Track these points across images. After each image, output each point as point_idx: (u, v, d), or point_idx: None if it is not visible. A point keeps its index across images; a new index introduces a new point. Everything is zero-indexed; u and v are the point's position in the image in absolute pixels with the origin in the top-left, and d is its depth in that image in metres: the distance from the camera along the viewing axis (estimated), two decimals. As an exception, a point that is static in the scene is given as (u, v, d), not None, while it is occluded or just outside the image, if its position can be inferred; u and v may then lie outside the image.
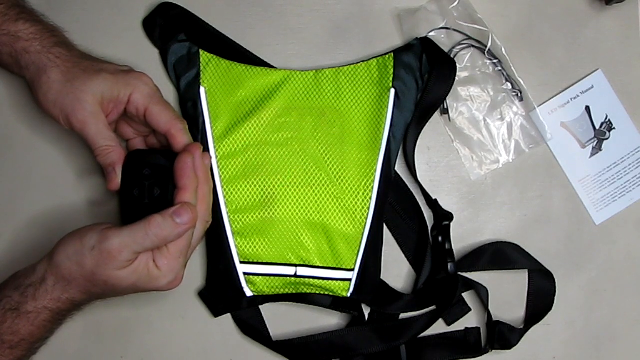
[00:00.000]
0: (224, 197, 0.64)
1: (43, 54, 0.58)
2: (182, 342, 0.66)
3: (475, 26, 0.69)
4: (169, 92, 0.67)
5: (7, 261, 0.65)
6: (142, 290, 0.56)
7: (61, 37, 0.61)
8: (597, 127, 0.70)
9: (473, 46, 0.69)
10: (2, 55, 0.59)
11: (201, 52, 0.66)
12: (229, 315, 0.66)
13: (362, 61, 0.67)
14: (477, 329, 0.67)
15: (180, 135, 0.59)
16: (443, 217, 0.66)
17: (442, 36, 0.69)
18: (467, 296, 0.67)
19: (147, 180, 0.58)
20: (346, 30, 0.69)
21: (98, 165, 0.59)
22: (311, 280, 0.64)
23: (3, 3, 0.59)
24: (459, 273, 0.66)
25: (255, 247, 0.64)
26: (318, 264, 0.64)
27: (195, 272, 0.66)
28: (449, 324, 0.67)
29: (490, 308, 0.66)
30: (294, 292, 0.65)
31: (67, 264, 0.54)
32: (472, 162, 0.69)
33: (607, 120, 0.70)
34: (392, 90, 0.65)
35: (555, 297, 0.67)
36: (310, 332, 0.65)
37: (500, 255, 0.67)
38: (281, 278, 0.64)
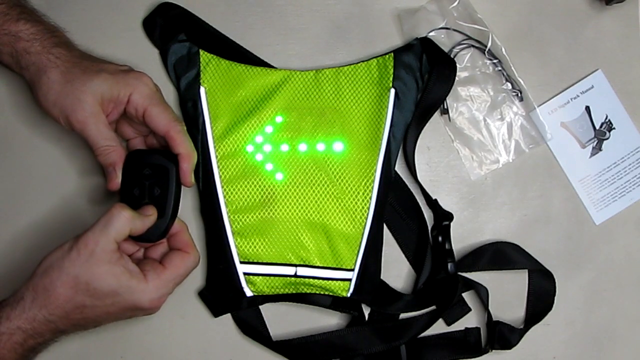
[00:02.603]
0: (224, 197, 0.64)
1: (43, 55, 0.58)
2: (182, 342, 0.66)
3: (475, 26, 0.69)
4: (169, 92, 0.67)
5: (7, 261, 0.65)
6: (123, 303, 0.54)
7: (62, 38, 0.61)
8: (597, 127, 0.70)
9: (473, 46, 0.69)
10: (2, 55, 0.59)
11: (201, 52, 0.66)
12: (229, 315, 0.66)
13: (362, 61, 0.67)
14: (477, 329, 0.67)
15: (179, 137, 0.59)
16: (443, 217, 0.66)
17: (442, 36, 0.69)
18: (467, 296, 0.67)
19: (148, 180, 0.59)
20: (346, 30, 0.69)
21: (98, 165, 0.59)
22: (311, 280, 0.64)
23: (4, 3, 0.59)
24: (459, 273, 0.66)
25: (255, 247, 0.64)
26: (318, 264, 0.64)
27: (195, 272, 0.66)
28: (449, 324, 0.67)
29: (490, 308, 0.66)
30: (294, 292, 0.65)
31: (48, 272, 0.53)
32: (472, 162, 0.69)
33: (607, 120, 0.70)
34: (392, 90, 0.65)
35: (555, 297, 0.67)
36: (310, 332, 0.65)
37: (500, 255, 0.67)
38: (281, 278, 0.64)
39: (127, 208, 0.55)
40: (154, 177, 0.59)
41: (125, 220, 0.55)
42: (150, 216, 0.57)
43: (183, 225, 0.61)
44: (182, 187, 0.61)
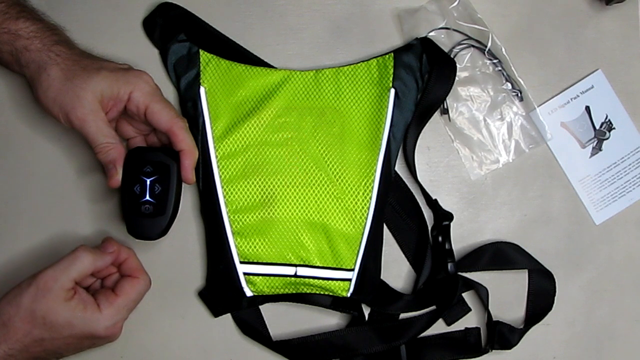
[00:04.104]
0: (224, 197, 0.64)
1: (43, 52, 0.58)
2: (182, 342, 0.65)
3: (475, 26, 0.69)
4: (169, 92, 0.67)
5: (7, 260, 0.65)
6: (80, 333, 0.56)
7: (62, 36, 0.61)
8: (597, 127, 0.70)
9: (473, 46, 0.69)
10: (2, 53, 0.59)
11: (201, 52, 0.66)
12: (229, 315, 0.66)
13: (362, 61, 0.67)
14: (477, 329, 0.67)
15: (182, 133, 0.59)
16: (443, 217, 0.66)
17: (442, 36, 0.69)
18: (467, 296, 0.67)
19: (148, 177, 0.59)
20: (346, 30, 0.69)
21: (98, 162, 0.59)
22: (311, 280, 0.64)
23: (3, 2, 0.59)
24: (459, 273, 0.66)
25: (255, 247, 0.64)
26: (318, 264, 0.64)
27: (195, 272, 0.66)
28: (449, 324, 0.67)
29: (490, 308, 0.66)
30: (294, 292, 0.65)
31: (6, 309, 0.54)
32: (472, 162, 0.69)
33: (607, 120, 0.70)
34: (392, 90, 0.65)
35: (555, 297, 0.67)
36: (310, 332, 0.65)
37: (500, 255, 0.67)
38: (281, 278, 0.64)
39: (91, 251, 0.57)
40: (155, 175, 0.59)
41: (89, 263, 0.57)
42: (112, 253, 0.59)
43: (130, 251, 0.61)
44: (183, 185, 0.61)
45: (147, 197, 0.58)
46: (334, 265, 0.64)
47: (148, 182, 0.59)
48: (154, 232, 0.59)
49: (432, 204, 0.67)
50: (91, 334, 0.56)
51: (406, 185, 0.68)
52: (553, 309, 0.67)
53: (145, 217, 0.59)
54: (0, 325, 0.54)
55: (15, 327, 0.54)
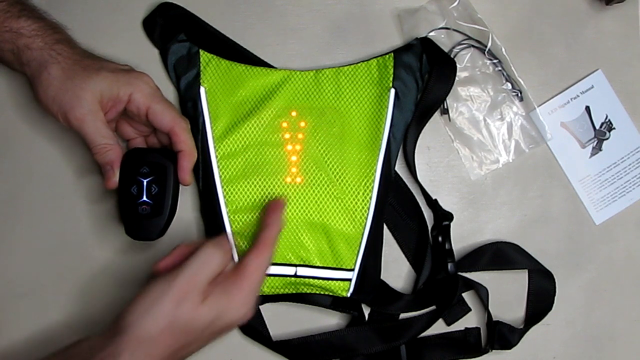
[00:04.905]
0: (224, 197, 0.64)
1: (45, 51, 0.58)
2: (182, 342, 0.65)
3: (475, 26, 0.69)
4: (169, 92, 0.67)
5: (7, 260, 0.65)
6: (219, 329, 0.52)
7: (64, 35, 0.61)
8: (597, 127, 0.70)
9: (473, 46, 0.69)
10: (3, 52, 0.59)
11: (201, 52, 0.66)
12: (229, 315, 0.66)
13: (362, 61, 0.67)
14: (477, 329, 0.67)
15: (183, 134, 0.60)
16: (443, 217, 0.66)
17: (442, 36, 0.69)
18: (467, 296, 0.67)
19: (145, 178, 0.59)
20: (346, 30, 0.69)
21: (96, 163, 0.59)
22: (311, 280, 0.64)
23: (5, 0, 0.59)
24: (459, 273, 0.66)
25: (255, 247, 0.64)
26: (318, 264, 0.64)
27: (195, 272, 0.66)
28: (449, 324, 0.67)
29: (490, 308, 0.66)
30: (294, 292, 0.65)
31: (142, 323, 0.49)
32: (472, 162, 0.69)
33: (607, 120, 0.70)
34: (392, 90, 0.65)
35: (555, 297, 0.67)
36: (310, 332, 0.65)
37: (500, 255, 0.67)
38: (281, 278, 0.64)
39: (218, 246, 0.54)
40: (152, 175, 0.59)
41: (220, 261, 0.53)
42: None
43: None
44: (181, 185, 0.61)
45: (144, 198, 0.59)
46: (334, 265, 0.64)
47: (145, 183, 0.59)
48: (151, 232, 0.59)
49: (432, 204, 0.67)
50: (230, 325, 0.53)
51: (406, 185, 0.68)
52: (553, 309, 0.67)
53: (143, 218, 0.59)
54: (139, 343, 0.49)
55: (157, 342, 0.49)
